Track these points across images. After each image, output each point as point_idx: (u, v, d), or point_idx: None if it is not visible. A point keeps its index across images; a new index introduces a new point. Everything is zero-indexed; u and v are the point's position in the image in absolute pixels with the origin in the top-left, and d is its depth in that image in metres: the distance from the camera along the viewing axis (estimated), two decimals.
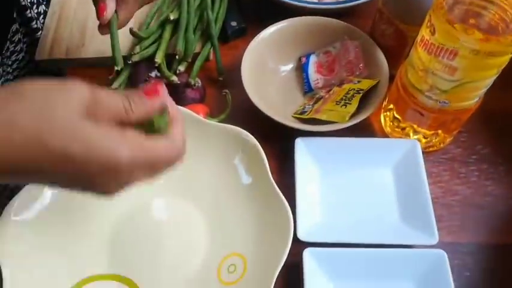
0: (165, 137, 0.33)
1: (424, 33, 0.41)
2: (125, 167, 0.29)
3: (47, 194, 0.44)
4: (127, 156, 0.29)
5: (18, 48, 0.60)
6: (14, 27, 0.58)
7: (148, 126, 0.32)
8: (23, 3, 0.60)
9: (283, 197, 0.42)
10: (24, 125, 0.27)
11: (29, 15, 0.60)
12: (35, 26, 0.62)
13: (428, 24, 0.40)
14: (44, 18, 0.62)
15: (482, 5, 0.37)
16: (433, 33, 0.40)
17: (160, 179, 0.34)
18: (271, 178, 0.43)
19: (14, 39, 0.58)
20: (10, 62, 0.59)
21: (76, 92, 0.29)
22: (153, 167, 0.31)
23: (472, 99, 0.44)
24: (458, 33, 0.37)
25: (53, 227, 0.43)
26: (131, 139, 0.30)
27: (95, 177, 0.29)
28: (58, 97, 0.28)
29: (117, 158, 0.28)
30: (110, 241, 0.46)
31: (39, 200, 0.43)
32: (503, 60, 0.39)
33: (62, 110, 0.28)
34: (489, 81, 0.42)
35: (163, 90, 0.33)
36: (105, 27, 0.45)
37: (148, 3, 0.47)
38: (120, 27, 0.46)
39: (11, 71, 0.59)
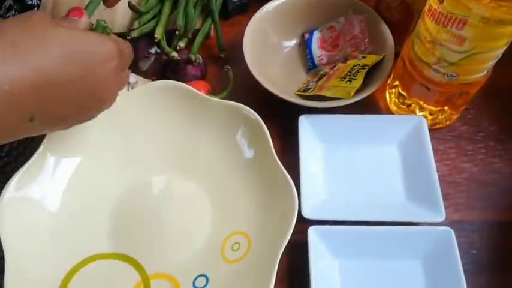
0: None
1: (431, 2, 0.40)
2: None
3: (47, 171, 0.43)
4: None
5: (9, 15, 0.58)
6: (7, 3, 0.57)
7: None
8: None
9: (287, 174, 0.41)
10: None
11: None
12: (30, 2, 0.60)
13: None
14: None
15: None
16: (441, 1, 0.38)
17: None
18: (275, 154, 0.42)
19: (7, 15, 0.57)
20: None
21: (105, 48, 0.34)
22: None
23: (481, 72, 0.43)
24: (468, 0, 0.36)
25: (53, 206, 0.43)
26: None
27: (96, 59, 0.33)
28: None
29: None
30: (111, 220, 0.45)
31: (39, 177, 0.42)
32: None
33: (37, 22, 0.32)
34: (498, 53, 0.41)
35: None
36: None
37: None
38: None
39: None
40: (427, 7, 0.41)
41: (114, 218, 0.45)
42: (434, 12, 0.39)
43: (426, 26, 0.41)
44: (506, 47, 0.40)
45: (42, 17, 0.32)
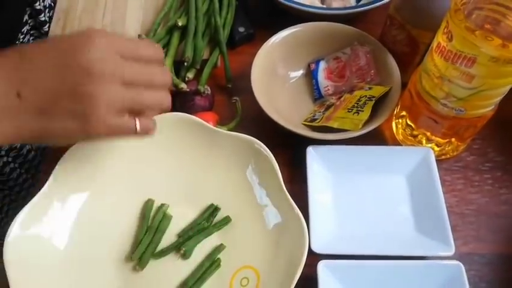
0: None
1: (440, 39, 0.40)
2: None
3: (55, 208, 0.42)
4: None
5: (26, 40, 0.59)
6: (25, 28, 0.57)
7: None
8: (38, 7, 0.59)
9: (298, 211, 0.41)
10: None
11: (38, 7, 0.59)
12: (43, 18, 0.60)
13: (445, 30, 0.39)
14: (50, 11, 0.61)
15: (502, 12, 0.36)
16: (450, 39, 0.39)
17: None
18: (285, 190, 0.42)
19: (22, 30, 0.57)
20: None
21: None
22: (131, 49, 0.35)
23: (488, 106, 0.43)
24: (478, 40, 0.36)
25: (60, 243, 0.42)
26: None
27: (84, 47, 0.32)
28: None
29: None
30: (118, 255, 0.44)
31: (46, 214, 0.42)
32: None
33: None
34: (506, 89, 0.41)
35: None
36: None
37: None
38: None
39: None
40: (435, 44, 0.42)
41: (122, 251, 0.45)
42: (443, 49, 0.40)
43: (434, 62, 0.42)
44: None
45: None
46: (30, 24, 0.59)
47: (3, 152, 0.55)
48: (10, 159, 0.59)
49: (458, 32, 0.37)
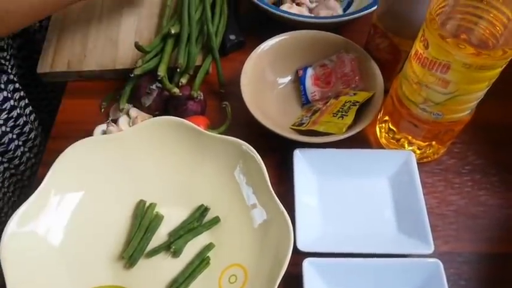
0: None
1: (417, 47, 0.43)
2: None
3: (51, 206, 0.44)
4: None
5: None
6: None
7: None
8: None
9: (284, 210, 0.43)
10: None
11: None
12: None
13: (422, 38, 0.41)
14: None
15: (474, 21, 0.39)
16: (426, 47, 0.41)
17: None
18: (271, 189, 0.44)
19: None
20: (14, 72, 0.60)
21: None
22: None
23: (465, 111, 0.45)
24: (451, 47, 0.38)
25: (56, 240, 0.44)
26: None
27: None
28: None
29: None
30: (112, 252, 0.46)
31: (43, 212, 0.43)
32: (494, 73, 0.40)
33: None
34: (481, 94, 0.43)
35: None
36: None
37: None
38: None
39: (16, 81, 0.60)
40: (413, 51, 0.44)
41: (115, 250, 0.46)
42: (420, 56, 0.42)
43: (413, 68, 0.44)
44: (487, 88, 0.43)
45: None
46: None
47: (8, 129, 0.57)
48: (14, 136, 0.60)
49: (433, 40, 0.40)
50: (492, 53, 0.38)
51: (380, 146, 0.55)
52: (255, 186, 0.46)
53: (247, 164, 0.46)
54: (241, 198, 0.46)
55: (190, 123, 0.48)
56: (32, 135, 0.61)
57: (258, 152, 0.46)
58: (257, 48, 0.56)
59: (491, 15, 0.38)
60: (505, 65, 0.40)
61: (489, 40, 0.38)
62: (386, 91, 0.53)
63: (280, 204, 0.43)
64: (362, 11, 0.59)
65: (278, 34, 0.57)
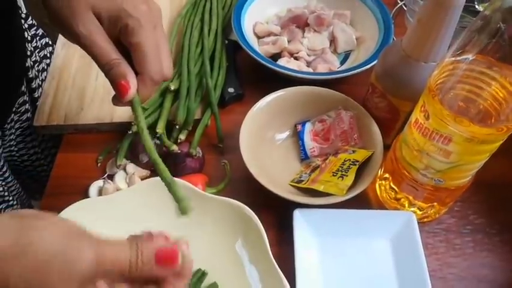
0: None
1: (418, 116, 0.43)
2: None
3: None
4: None
5: (24, 117, 0.60)
6: (21, 99, 0.59)
7: None
8: (30, 75, 0.61)
9: (283, 276, 0.42)
10: None
11: (34, 85, 0.61)
12: (37, 95, 0.63)
13: (422, 109, 0.41)
14: (43, 73, 0.63)
15: (476, 94, 0.39)
16: (427, 118, 0.41)
17: None
18: (272, 258, 0.43)
19: (20, 109, 0.59)
20: (13, 131, 0.59)
21: (79, 265, 0.27)
22: None
23: (466, 177, 0.45)
24: (452, 123, 0.38)
25: None
26: None
27: None
28: (60, 269, 0.27)
29: None
30: None
31: None
32: (496, 146, 0.40)
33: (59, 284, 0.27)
34: (483, 162, 0.43)
35: (180, 258, 0.31)
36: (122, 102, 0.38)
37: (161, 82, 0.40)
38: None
39: (14, 138, 0.59)
40: (413, 119, 0.44)
41: None
42: (421, 126, 0.42)
43: (413, 136, 0.44)
44: (488, 157, 0.43)
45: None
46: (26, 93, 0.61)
47: None
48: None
49: (434, 113, 0.40)
50: (493, 129, 0.38)
51: (380, 204, 0.54)
52: (256, 253, 0.45)
53: (248, 229, 0.45)
54: (240, 264, 0.45)
55: (189, 184, 0.47)
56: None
57: (257, 208, 0.45)
58: (253, 106, 0.55)
59: (493, 88, 0.38)
60: (506, 138, 0.40)
61: (491, 114, 0.38)
62: (386, 147, 0.52)
63: (281, 272, 0.42)
64: (360, 67, 0.60)
65: (276, 86, 0.57)
